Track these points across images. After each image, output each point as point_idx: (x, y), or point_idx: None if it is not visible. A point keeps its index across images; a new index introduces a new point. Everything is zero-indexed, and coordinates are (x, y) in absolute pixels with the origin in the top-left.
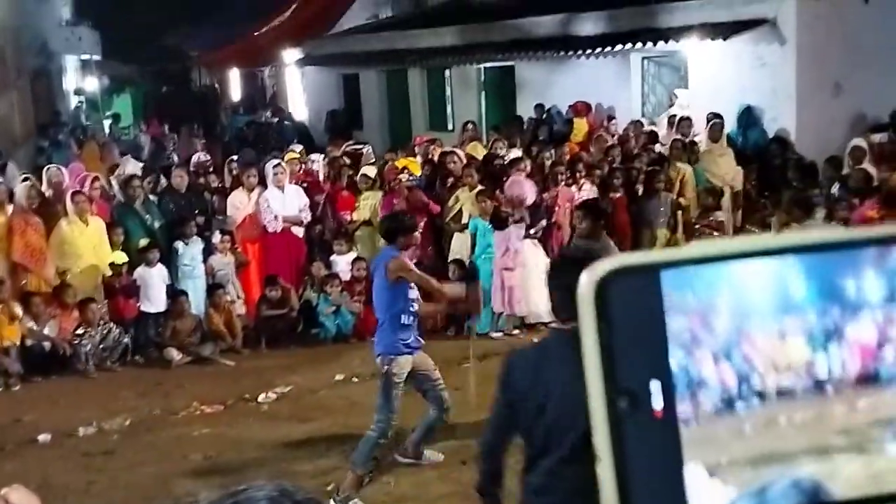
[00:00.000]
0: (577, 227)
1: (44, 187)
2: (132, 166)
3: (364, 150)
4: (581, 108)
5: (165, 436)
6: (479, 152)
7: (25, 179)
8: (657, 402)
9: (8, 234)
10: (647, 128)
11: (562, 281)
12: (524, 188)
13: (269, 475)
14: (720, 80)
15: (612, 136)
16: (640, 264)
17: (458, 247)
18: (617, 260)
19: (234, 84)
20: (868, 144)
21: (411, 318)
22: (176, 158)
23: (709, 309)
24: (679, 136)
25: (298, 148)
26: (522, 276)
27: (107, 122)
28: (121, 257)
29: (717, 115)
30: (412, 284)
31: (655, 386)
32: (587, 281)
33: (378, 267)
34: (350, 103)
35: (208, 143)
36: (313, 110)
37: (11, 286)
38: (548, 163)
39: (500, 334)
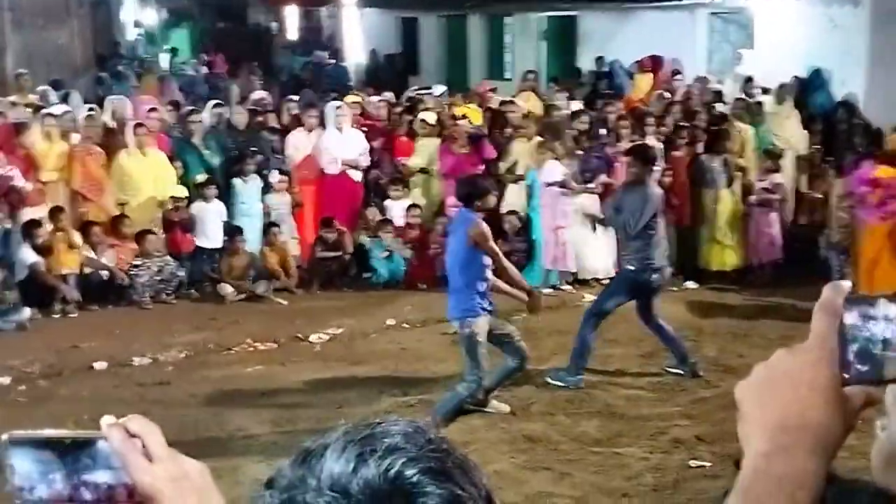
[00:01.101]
0: (627, 171)
1: (106, 118)
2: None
3: (426, 96)
4: (647, 64)
5: (219, 370)
6: (533, 103)
7: (90, 110)
8: None
9: (69, 163)
10: (712, 86)
11: None
12: (555, 174)
13: (320, 416)
14: (788, 40)
15: (673, 93)
16: None
17: (513, 198)
18: None
19: (291, 23)
20: None
21: (486, 283)
22: (234, 96)
23: None
24: (742, 96)
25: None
26: (576, 232)
27: (164, 56)
28: (180, 191)
29: (797, 78)
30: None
31: None
32: None
33: (456, 230)
34: (407, 48)
35: (266, 82)
36: (370, 53)
37: (71, 215)
38: (611, 117)
39: (550, 290)
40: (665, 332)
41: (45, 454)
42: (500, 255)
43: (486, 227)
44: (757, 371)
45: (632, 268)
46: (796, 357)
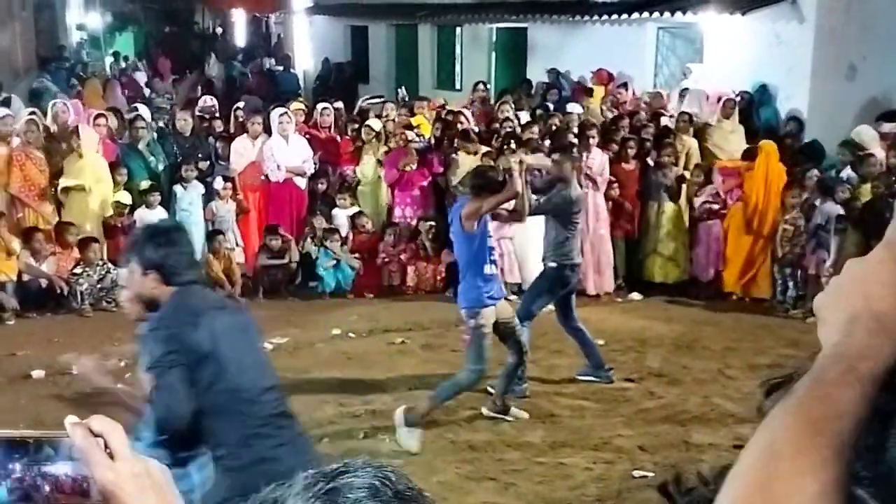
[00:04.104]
0: (550, 169)
1: (48, 122)
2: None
3: (377, 104)
4: (604, 76)
5: None
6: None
7: (31, 114)
8: None
9: (8, 167)
10: (664, 101)
11: None
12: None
13: None
14: (735, 55)
15: (619, 105)
16: None
17: None
18: None
19: (239, 29)
20: (879, 133)
21: (493, 267)
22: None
23: None
24: (686, 110)
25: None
26: (519, 242)
27: (108, 60)
28: (124, 197)
29: (746, 93)
30: (490, 234)
31: None
32: None
33: (454, 218)
34: (357, 56)
35: (211, 87)
36: (319, 61)
37: (9, 221)
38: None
39: None
40: (584, 336)
41: (6, 448)
42: (497, 197)
43: (474, 203)
44: (832, 281)
45: (553, 265)
46: (865, 260)
